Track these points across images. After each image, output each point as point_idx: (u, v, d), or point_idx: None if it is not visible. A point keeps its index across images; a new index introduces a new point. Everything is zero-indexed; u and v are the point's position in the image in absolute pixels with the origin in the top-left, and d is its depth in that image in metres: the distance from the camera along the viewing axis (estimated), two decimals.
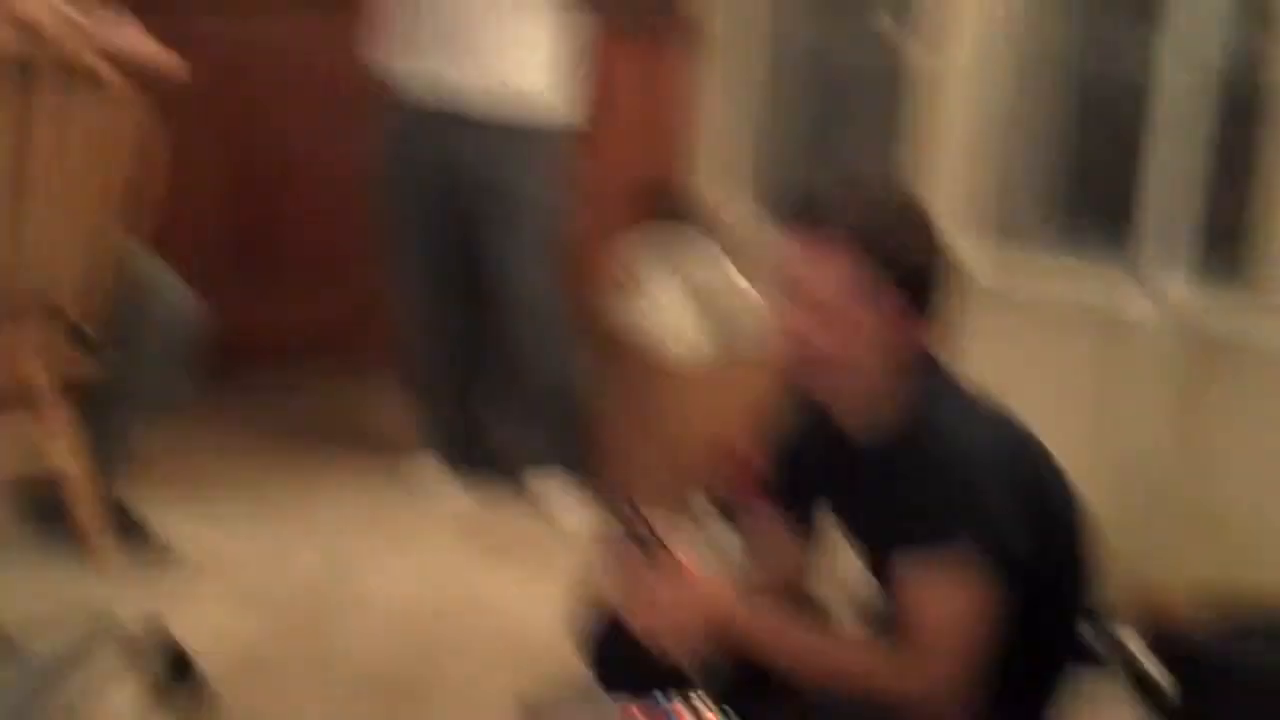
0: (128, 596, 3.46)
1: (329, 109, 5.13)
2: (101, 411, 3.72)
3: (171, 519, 4.02)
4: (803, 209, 2.48)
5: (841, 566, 3.08)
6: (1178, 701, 2.98)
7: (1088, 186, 4.00)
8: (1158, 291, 3.26)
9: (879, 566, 2.62)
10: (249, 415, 5.16)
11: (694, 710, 2.21)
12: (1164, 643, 3.11)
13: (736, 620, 2.46)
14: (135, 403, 3.75)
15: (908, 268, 2.45)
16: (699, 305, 4.48)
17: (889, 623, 2.56)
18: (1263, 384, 3.33)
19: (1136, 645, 3.16)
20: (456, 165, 4.17)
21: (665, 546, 2.50)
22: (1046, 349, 3.84)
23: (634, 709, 2.21)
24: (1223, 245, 3.50)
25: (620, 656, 2.70)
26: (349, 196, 5.36)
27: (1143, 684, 3.11)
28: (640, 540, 2.50)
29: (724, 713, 2.23)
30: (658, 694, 2.25)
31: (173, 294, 3.77)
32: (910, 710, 2.37)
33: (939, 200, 4.03)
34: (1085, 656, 2.64)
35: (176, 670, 2.16)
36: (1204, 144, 3.45)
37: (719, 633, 2.45)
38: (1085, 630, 2.62)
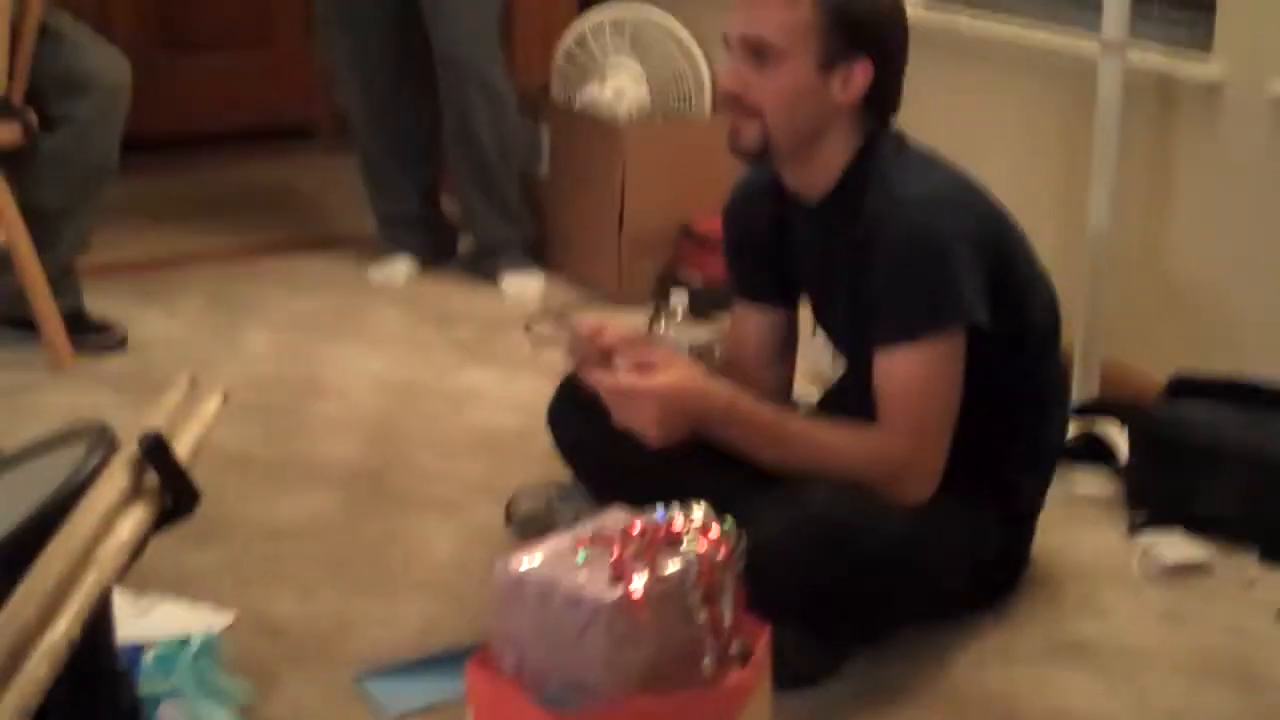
0: (99, 401, 3.48)
1: None
2: (43, 187, 3.69)
3: (123, 311, 4.02)
4: None
5: (811, 343, 3.13)
6: (1133, 464, 3.09)
7: None
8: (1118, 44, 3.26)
9: (851, 340, 2.67)
10: (185, 195, 5.13)
11: (696, 526, 2.23)
12: (1120, 409, 3.21)
13: (713, 408, 2.46)
14: (75, 172, 3.71)
15: (866, 24, 2.45)
16: (649, 70, 4.44)
17: (853, 395, 2.63)
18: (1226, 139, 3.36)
19: (1096, 409, 3.26)
20: None
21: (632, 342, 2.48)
22: (1004, 98, 3.85)
23: (636, 521, 2.23)
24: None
25: (598, 456, 2.76)
26: None
27: (1097, 444, 3.22)
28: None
29: (726, 528, 2.25)
30: (659, 506, 2.27)
31: (103, 56, 3.73)
32: (890, 487, 2.45)
33: None
34: (1044, 419, 2.72)
35: (179, 494, 2.15)
36: None
37: (696, 422, 2.46)
38: (1046, 392, 2.70)
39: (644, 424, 2.42)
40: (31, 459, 2.31)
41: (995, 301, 2.46)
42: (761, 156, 2.54)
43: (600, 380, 2.44)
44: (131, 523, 2.01)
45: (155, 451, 2.09)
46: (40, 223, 3.69)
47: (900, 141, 2.56)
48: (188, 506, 2.14)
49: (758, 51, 2.46)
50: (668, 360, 2.44)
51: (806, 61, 2.45)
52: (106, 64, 3.73)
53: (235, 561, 2.86)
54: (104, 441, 2.18)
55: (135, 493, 2.05)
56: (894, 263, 2.43)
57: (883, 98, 2.51)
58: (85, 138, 3.69)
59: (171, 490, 2.11)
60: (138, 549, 2.03)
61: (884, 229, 2.43)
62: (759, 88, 2.47)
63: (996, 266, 2.47)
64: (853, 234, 2.48)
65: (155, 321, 4.05)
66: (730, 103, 2.51)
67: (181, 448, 2.14)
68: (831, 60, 2.45)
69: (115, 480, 2.03)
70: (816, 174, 2.54)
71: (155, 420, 2.17)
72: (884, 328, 2.46)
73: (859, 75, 2.47)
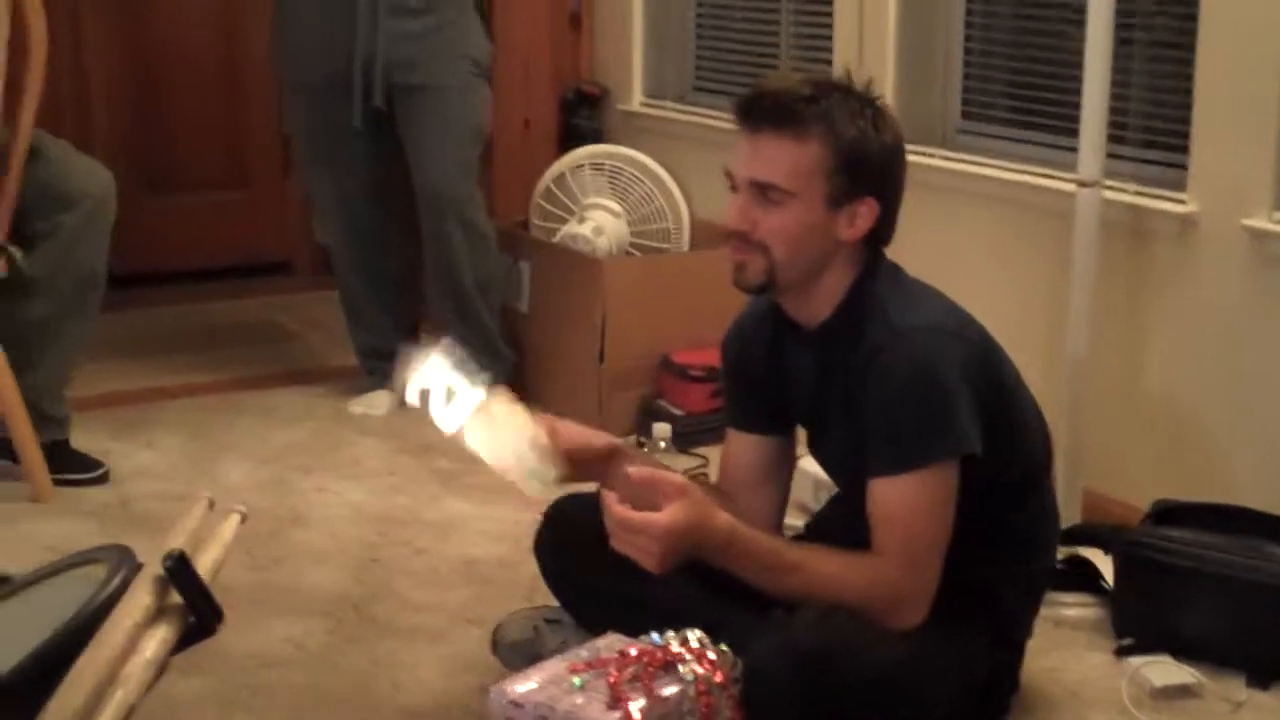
0: (80, 533, 3.45)
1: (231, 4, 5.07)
2: (33, 303, 3.68)
3: (104, 444, 4.00)
4: (772, 106, 2.47)
5: (810, 470, 3.13)
6: (1118, 588, 3.08)
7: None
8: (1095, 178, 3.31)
9: (845, 468, 2.66)
10: (164, 331, 5.12)
11: (693, 650, 2.22)
12: (1104, 534, 3.20)
13: (714, 540, 2.44)
14: (64, 285, 3.70)
15: (872, 166, 2.48)
16: (628, 208, 4.47)
17: (842, 523, 2.62)
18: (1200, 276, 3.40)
19: (1079, 536, 3.26)
20: (369, 61, 4.12)
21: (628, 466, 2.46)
22: (984, 233, 3.89)
23: (630, 650, 2.22)
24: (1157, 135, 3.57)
25: (585, 584, 2.74)
26: (253, 95, 5.35)
27: (1084, 569, 3.21)
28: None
29: (722, 652, 2.24)
30: (654, 634, 2.26)
31: (85, 169, 3.75)
32: (883, 613, 2.44)
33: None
34: (1036, 546, 2.72)
35: (201, 612, 2.13)
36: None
37: (696, 551, 2.44)
38: (1037, 520, 2.70)
39: (645, 556, 2.39)
40: (49, 580, 2.30)
41: (989, 432, 2.47)
42: (765, 290, 2.56)
43: (609, 508, 2.41)
44: (156, 641, 2.00)
45: (179, 571, 2.08)
46: (26, 340, 3.67)
47: (897, 271, 2.59)
48: (211, 625, 2.13)
49: (766, 192, 2.48)
50: (673, 490, 2.41)
51: (814, 201, 2.47)
52: (89, 176, 3.74)
53: (220, 691, 2.81)
54: (126, 562, 2.17)
55: (159, 612, 2.04)
56: (890, 391, 2.43)
57: (883, 231, 2.54)
58: (73, 251, 3.69)
59: (194, 609, 2.09)
60: (162, 667, 2.01)
61: (881, 357, 2.44)
62: (766, 226, 2.49)
63: (990, 397, 2.49)
64: (850, 361, 2.49)
65: (136, 454, 4.03)
66: (737, 239, 2.52)
67: (202, 568, 2.13)
68: (838, 200, 2.48)
69: (140, 599, 2.02)
70: (816, 303, 2.55)
71: (176, 540, 2.16)
72: (878, 456, 2.46)
73: (865, 214, 2.49)
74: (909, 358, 2.43)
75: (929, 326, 2.47)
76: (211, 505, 2.37)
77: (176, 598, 2.11)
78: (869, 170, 2.48)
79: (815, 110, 2.45)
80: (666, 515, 2.38)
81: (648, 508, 2.38)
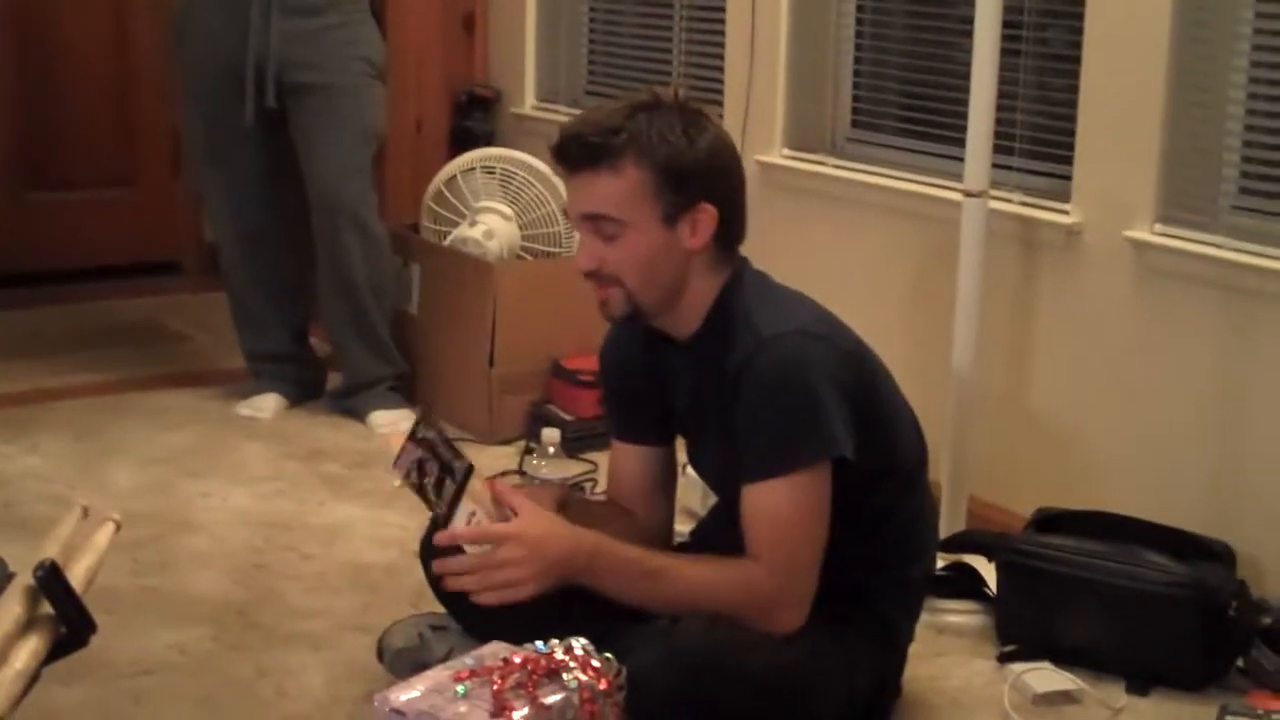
0: None
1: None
2: None
3: None
4: (581, 147, 2.49)
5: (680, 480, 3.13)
6: (1001, 595, 3.11)
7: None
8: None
9: (721, 475, 2.67)
10: (50, 332, 5.06)
11: (577, 658, 2.22)
12: (987, 541, 3.23)
13: (578, 551, 2.45)
14: None
15: (695, 174, 2.49)
16: (519, 211, 4.46)
17: (723, 530, 2.63)
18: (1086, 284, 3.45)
19: (963, 543, 3.29)
20: (262, 60, 4.09)
21: (497, 497, 2.45)
22: (869, 241, 3.91)
23: (514, 657, 2.22)
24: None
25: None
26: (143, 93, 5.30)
27: (967, 576, 3.24)
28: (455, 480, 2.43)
29: (607, 660, 2.24)
30: (538, 643, 2.26)
31: None
32: (761, 618, 2.45)
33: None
34: (914, 550, 2.74)
35: (73, 623, 2.11)
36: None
37: (564, 566, 2.45)
38: (914, 523, 2.72)
39: (513, 578, 2.40)
40: None
41: (860, 434, 2.48)
42: (635, 318, 2.58)
43: (462, 538, 2.42)
44: (26, 653, 1.97)
45: (50, 580, 2.05)
46: None
47: (762, 278, 2.61)
48: (83, 635, 2.10)
49: (601, 225, 2.49)
50: (527, 512, 2.43)
51: (650, 223, 2.49)
52: None
53: (102, 700, 2.78)
54: None
55: (30, 622, 2.01)
56: (760, 397, 2.45)
57: (731, 231, 2.55)
58: None
59: (66, 620, 2.07)
60: (33, 679, 1.98)
61: (750, 365, 2.46)
62: (613, 260, 2.51)
63: (861, 400, 2.50)
64: (721, 370, 2.51)
65: (18, 457, 3.97)
66: (591, 279, 2.54)
67: (75, 577, 2.10)
68: (674, 214, 2.50)
69: (10, 609, 1.99)
70: (684, 317, 2.58)
71: (49, 549, 2.13)
72: (750, 461, 2.48)
73: (704, 220, 2.51)
74: (776, 363, 2.45)
75: (796, 331, 2.49)
76: (86, 513, 2.34)
77: (48, 608, 2.08)
78: (693, 179, 2.49)
79: (622, 139, 2.46)
80: (519, 524, 2.41)
81: None
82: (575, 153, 2.50)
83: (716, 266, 2.56)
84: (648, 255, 2.50)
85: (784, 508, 2.46)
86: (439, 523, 2.45)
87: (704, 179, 2.50)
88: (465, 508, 2.41)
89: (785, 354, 2.46)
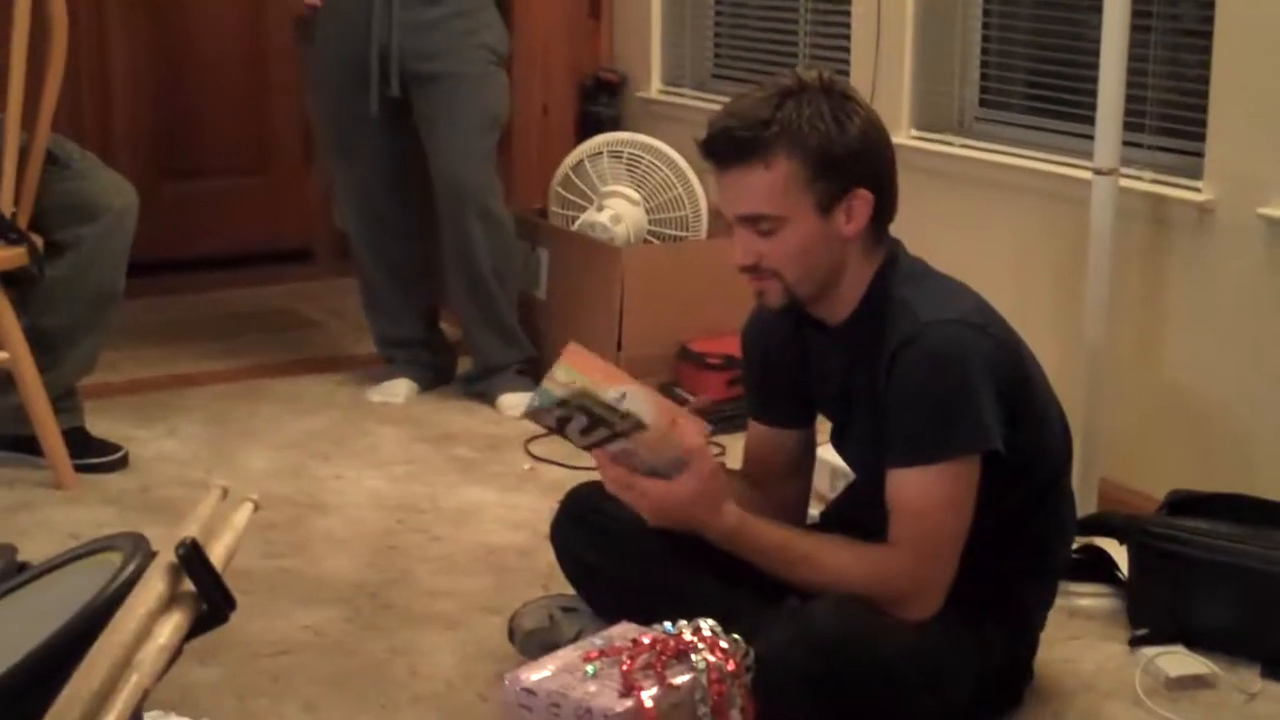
0: (101, 519, 3.47)
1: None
2: (49, 312, 3.70)
3: (125, 431, 4.02)
4: (730, 142, 2.47)
5: (827, 459, 3.14)
6: (1133, 578, 3.09)
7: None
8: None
9: (867, 460, 2.66)
10: (186, 318, 5.14)
11: (705, 639, 2.23)
12: (1119, 524, 3.20)
13: (718, 528, 2.49)
14: (81, 296, 3.72)
15: (848, 160, 2.48)
16: (645, 195, 4.48)
17: (862, 512, 2.63)
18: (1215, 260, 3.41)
19: (1094, 526, 3.26)
20: (386, 50, 4.13)
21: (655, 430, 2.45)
22: (999, 221, 3.89)
23: (643, 638, 2.24)
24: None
25: (602, 573, 2.76)
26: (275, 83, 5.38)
27: (1099, 559, 3.22)
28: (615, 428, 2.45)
29: (734, 641, 2.26)
30: (667, 624, 2.28)
31: (109, 183, 3.76)
32: (897, 605, 2.46)
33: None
34: (1053, 541, 2.73)
35: (214, 600, 2.16)
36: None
37: (698, 530, 2.49)
38: (1055, 515, 2.70)
39: (645, 510, 2.46)
40: (65, 568, 2.33)
41: (1011, 429, 2.47)
42: (793, 307, 2.57)
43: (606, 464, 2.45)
44: (170, 627, 2.03)
45: (191, 558, 2.10)
46: (45, 346, 3.69)
47: (917, 263, 2.59)
48: (223, 612, 2.16)
49: (757, 223, 2.48)
50: (697, 468, 2.44)
51: (807, 214, 2.48)
52: (112, 190, 3.75)
53: (237, 678, 2.83)
54: (141, 550, 2.20)
55: (172, 599, 2.07)
56: (915, 383, 2.44)
57: (884, 212, 2.54)
58: (91, 263, 3.70)
59: (207, 596, 2.12)
60: (175, 653, 2.04)
61: (906, 350, 2.44)
62: (771, 254, 2.50)
63: (1013, 393, 2.49)
64: (876, 354, 2.49)
65: (156, 442, 4.05)
66: (748, 273, 2.54)
67: (215, 555, 2.15)
68: (829, 202, 2.48)
69: (154, 586, 2.05)
70: (840, 302, 2.57)
71: (190, 529, 2.18)
72: (900, 447, 2.47)
73: (860, 205, 2.50)
74: (934, 350, 2.43)
75: (955, 320, 2.47)
76: (225, 494, 2.39)
77: (190, 585, 2.14)
78: (847, 166, 2.47)
79: (772, 132, 2.44)
80: (667, 487, 2.42)
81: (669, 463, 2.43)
82: (724, 148, 2.48)
83: (872, 249, 2.55)
84: (805, 246, 2.49)
85: (930, 497, 2.45)
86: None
87: (857, 164, 2.49)
88: (621, 443, 2.42)
89: (943, 342, 2.44)
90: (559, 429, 2.44)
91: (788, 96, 2.48)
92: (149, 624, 2.02)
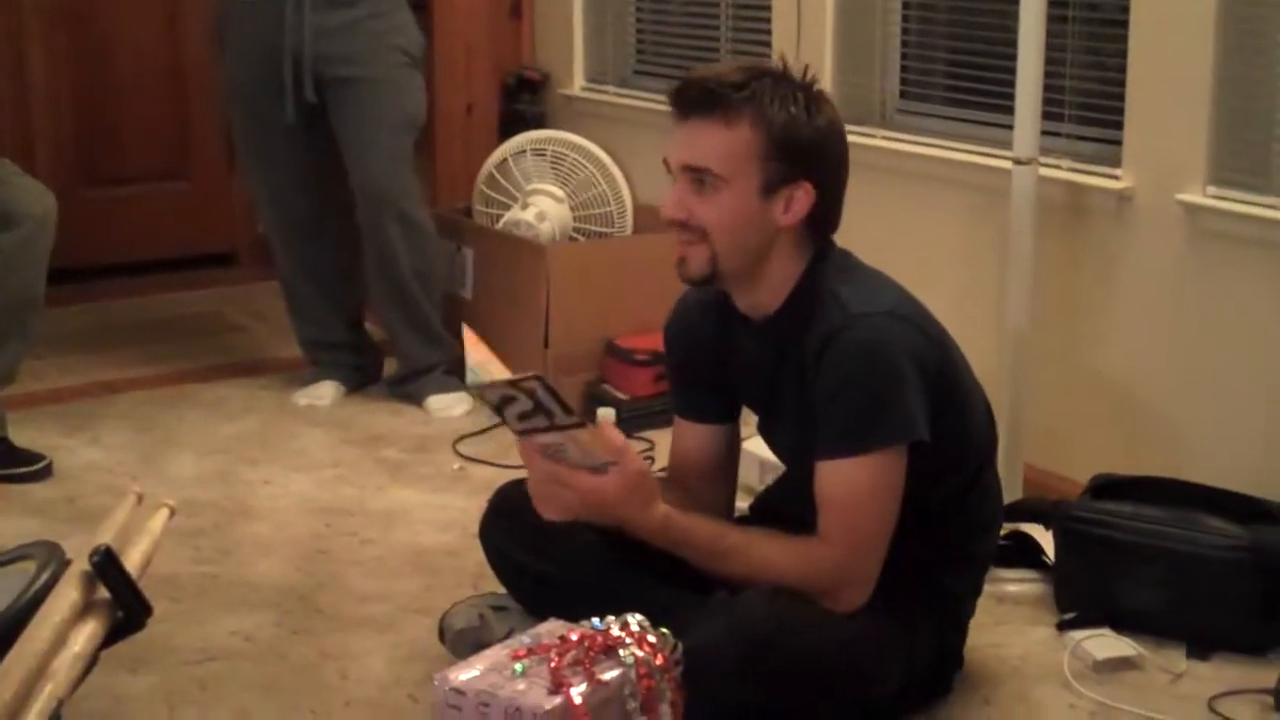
0: (25, 529, 3.44)
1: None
2: None
3: (49, 440, 4.00)
4: (702, 93, 2.48)
5: (755, 451, 3.15)
6: (1059, 563, 3.11)
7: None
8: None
9: (796, 451, 2.68)
10: (109, 325, 5.10)
11: (634, 634, 2.24)
12: (1045, 510, 3.23)
13: (645, 524, 2.49)
14: (1, 306, 3.69)
15: (805, 149, 2.49)
16: (570, 192, 4.48)
17: (790, 503, 2.64)
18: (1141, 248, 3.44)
19: (1020, 512, 3.29)
20: (297, 52, 4.11)
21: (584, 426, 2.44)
22: (921, 211, 3.92)
23: (571, 634, 2.24)
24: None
25: (531, 570, 2.76)
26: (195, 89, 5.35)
27: (1025, 545, 3.24)
28: (553, 423, 2.43)
29: (663, 635, 2.26)
30: (595, 620, 2.28)
31: (27, 190, 3.73)
32: (826, 595, 2.47)
33: None
34: (980, 529, 2.75)
35: (129, 607, 2.15)
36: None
37: (627, 529, 2.50)
38: (981, 504, 2.72)
39: (554, 506, 2.48)
40: None
41: (937, 420, 2.48)
42: (710, 281, 2.56)
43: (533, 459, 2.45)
44: (84, 636, 2.02)
45: (106, 566, 2.09)
46: None
47: (847, 258, 2.60)
48: (139, 618, 2.14)
49: (700, 178, 2.49)
50: (624, 469, 2.44)
51: (749, 187, 2.48)
52: (32, 197, 3.72)
53: (167, 686, 2.82)
54: (55, 558, 2.18)
55: (87, 606, 2.06)
56: (843, 375, 2.45)
57: (825, 217, 2.55)
58: (11, 270, 3.67)
59: (122, 603, 2.11)
60: (91, 662, 2.02)
61: (834, 342, 2.45)
62: (703, 213, 2.50)
63: (940, 385, 2.50)
64: (803, 347, 2.50)
65: (81, 450, 4.02)
66: (676, 228, 2.53)
67: (131, 562, 2.14)
68: (773, 185, 2.49)
69: (68, 595, 2.04)
70: (765, 293, 2.57)
71: (104, 536, 2.17)
72: (829, 438, 2.48)
73: (801, 198, 2.50)
74: (863, 342, 2.45)
75: (883, 312, 2.48)
76: (140, 499, 2.38)
77: (105, 592, 2.12)
78: (802, 154, 2.49)
79: (744, 95, 2.46)
80: (597, 482, 2.42)
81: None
82: (695, 97, 2.48)
83: (801, 248, 2.55)
84: (738, 219, 2.49)
85: (858, 486, 2.47)
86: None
87: (812, 156, 2.50)
88: (553, 436, 2.41)
89: (872, 334, 2.45)
90: (499, 408, 2.42)
91: (767, 75, 2.51)
92: (63, 632, 2.01)
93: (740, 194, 2.48)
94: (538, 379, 2.33)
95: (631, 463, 2.46)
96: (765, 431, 2.79)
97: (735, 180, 2.47)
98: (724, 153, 2.47)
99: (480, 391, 2.45)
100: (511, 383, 2.37)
